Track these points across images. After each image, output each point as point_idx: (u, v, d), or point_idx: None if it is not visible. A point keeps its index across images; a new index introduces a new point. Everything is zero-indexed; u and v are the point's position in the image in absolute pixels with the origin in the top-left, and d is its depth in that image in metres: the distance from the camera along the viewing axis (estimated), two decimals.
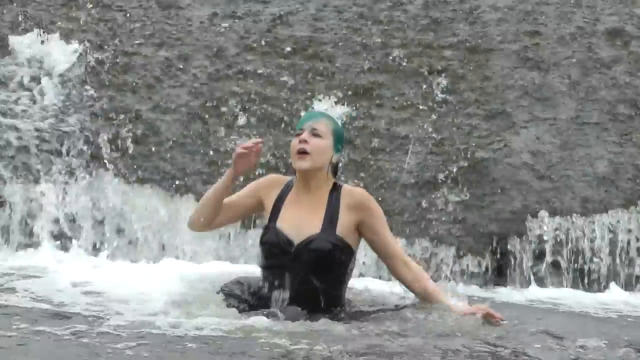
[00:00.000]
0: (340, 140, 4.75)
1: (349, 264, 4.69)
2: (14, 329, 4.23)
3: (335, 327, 4.50)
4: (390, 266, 4.75)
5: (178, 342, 4.16)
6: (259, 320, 4.51)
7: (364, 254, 6.56)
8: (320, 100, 7.66)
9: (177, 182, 7.21)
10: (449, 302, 4.72)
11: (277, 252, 4.63)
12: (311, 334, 4.35)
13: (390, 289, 5.34)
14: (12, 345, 3.96)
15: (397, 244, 4.86)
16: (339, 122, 5.00)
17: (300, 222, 4.64)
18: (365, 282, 5.86)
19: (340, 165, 4.88)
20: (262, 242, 4.72)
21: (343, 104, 7.67)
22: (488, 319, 4.66)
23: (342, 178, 7.15)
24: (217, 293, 4.85)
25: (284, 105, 7.65)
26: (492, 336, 4.51)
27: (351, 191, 4.75)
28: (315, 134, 4.67)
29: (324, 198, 4.68)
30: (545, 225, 7.07)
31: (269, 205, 4.75)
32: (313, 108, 7.49)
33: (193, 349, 4.08)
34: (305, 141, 4.65)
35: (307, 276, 4.58)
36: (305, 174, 4.70)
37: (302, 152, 4.65)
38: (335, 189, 4.73)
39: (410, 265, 4.76)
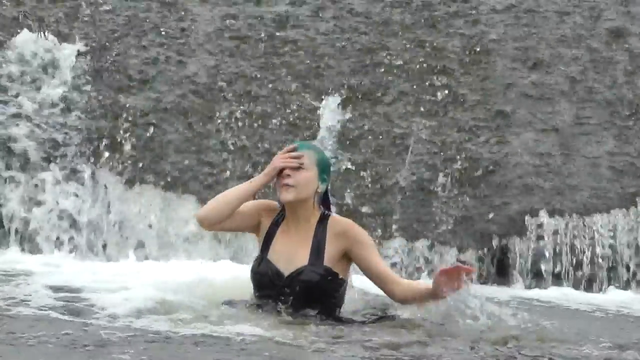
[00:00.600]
0: (325, 170, 4.84)
1: (338, 292, 4.79)
2: (10, 333, 4.21)
3: (344, 330, 4.53)
4: (385, 290, 4.83)
5: (177, 345, 4.15)
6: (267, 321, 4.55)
7: None
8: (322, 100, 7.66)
9: (176, 182, 7.21)
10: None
11: (267, 283, 4.75)
12: (321, 337, 4.36)
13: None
14: (6, 352, 3.93)
15: (387, 267, 4.90)
16: (324, 153, 5.06)
17: (289, 254, 4.75)
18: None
19: (330, 196, 4.98)
20: (254, 272, 4.82)
21: (343, 104, 7.67)
22: (459, 273, 4.62)
23: (339, 182, 7.16)
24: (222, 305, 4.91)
25: (284, 106, 7.64)
26: (491, 337, 4.50)
27: (338, 221, 4.85)
28: (299, 167, 4.77)
29: (312, 229, 4.79)
30: (545, 225, 7.07)
31: (263, 231, 4.87)
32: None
33: (190, 351, 4.07)
34: (288, 175, 4.75)
35: (296, 305, 4.70)
36: (292, 206, 4.80)
37: (286, 185, 4.76)
38: (324, 219, 4.83)
39: (401, 282, 4.83)
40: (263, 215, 4.89)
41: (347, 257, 4.77)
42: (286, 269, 4.72)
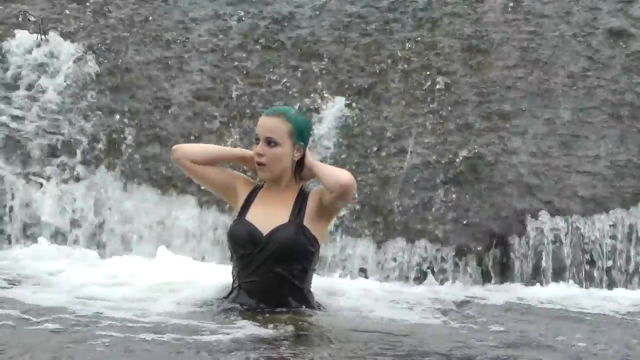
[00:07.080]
0: (301, 136, 4.95)
1: (314, 256, 4.90)
2: (13, 329, 4.22)
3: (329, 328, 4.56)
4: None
5: (177, 345, 4.16)
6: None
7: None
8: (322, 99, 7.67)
9: (175, 183, 7.21)
10: None
11: (245, 243, 4.84)
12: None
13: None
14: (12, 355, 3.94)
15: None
16: (300, 115, 5.09)
17: (269, 214, 4.87)
18: None
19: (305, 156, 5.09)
20: (231, 234, 4.92)
21: (343, 104, 7.67)
22: None
23: None
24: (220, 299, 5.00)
25: (284, 105, 7.65)
26: (490, 337, 4.51)
27: (318, 188, 4.98)
28: (270, 143, 4.89)
29: (294, 193, 4.94)
30: (545, 225, 7.07)
31: (240, 200, 4.99)
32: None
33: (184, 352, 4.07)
34: (261, 154, 4.90)
35: (273, 265, 4.79)
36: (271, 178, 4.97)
37: (260, 164, 4.91)
38: (305, 188, 4.99)
39: None
40: (240, 185, 5.02)
41: (324, 219, 4.88)
42: (264, 228, 4.83)
